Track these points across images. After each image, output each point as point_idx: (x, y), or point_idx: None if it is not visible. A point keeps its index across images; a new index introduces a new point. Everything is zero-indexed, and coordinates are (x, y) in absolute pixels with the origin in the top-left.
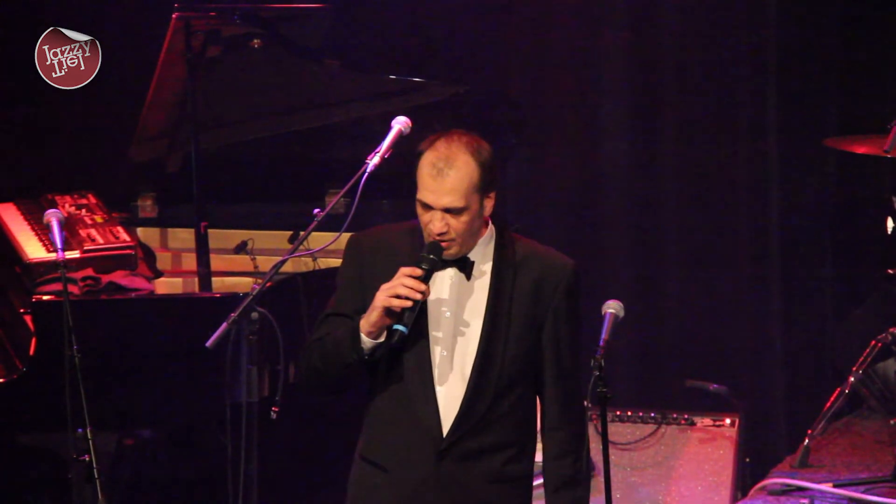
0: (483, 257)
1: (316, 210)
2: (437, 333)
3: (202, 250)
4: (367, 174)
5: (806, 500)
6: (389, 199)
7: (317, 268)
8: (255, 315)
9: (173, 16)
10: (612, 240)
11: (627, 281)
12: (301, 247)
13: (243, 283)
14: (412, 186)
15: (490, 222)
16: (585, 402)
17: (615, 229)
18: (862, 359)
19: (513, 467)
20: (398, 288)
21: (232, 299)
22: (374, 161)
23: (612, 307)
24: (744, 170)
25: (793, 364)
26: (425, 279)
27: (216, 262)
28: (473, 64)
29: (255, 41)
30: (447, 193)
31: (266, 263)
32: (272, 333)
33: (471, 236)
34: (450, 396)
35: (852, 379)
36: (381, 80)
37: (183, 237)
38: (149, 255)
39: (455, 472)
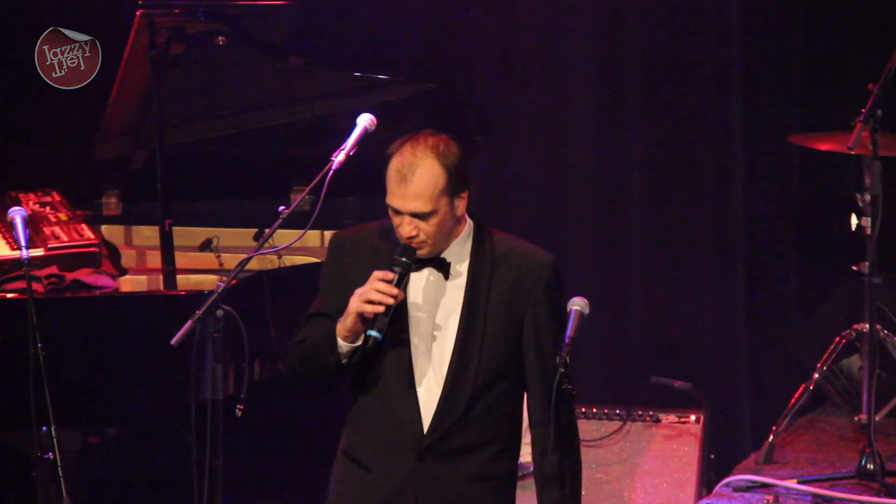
0: (459, 256)
1: (281, 207)
2: (414, 334)
3: (167, 248)
4: (332, 171)
5: (770, 497)
6: (355, 197)
7: (282, 265)
8: (220, 313)
9: (137, 13)
10: (578, 237)
11: (593, 278)
12: (266, 244)
13: (208, 281)
14: (380, 184)
15: (468, 219)
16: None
17: (581, 227)
18: (826, 355)
19: (494, 465)
20: (370, 293)
21: (197, 297)
22: (339, 158)
23: (577, 304)
24: (709, 166)
25: (757, 361)
26: (398, 283)
27: (181, 259)
28: (439, 61)
29: (220, 38)
30: (412, 199)
31: (231, 261)
32: (237, 331)
33: (443, 237)
34: (428, 396)
35: (817, 375)
36: (346, 77)
37: (147, 235)
38: (113, 253)
39: (436, 470)
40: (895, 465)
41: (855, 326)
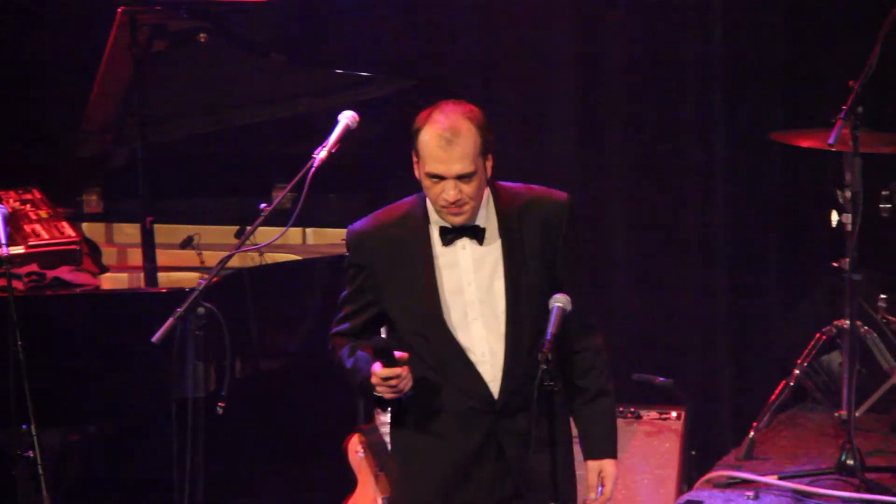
0: (488, 219)
1: (263, 205)
2: (465, 306)
3: (148, 245)
4: (314, 168)
5: (751, 493)
6: (337, 194)
7: (263, 263)
8: (201, 310)
9: (118, 10)
10: None
11: None
12: (248, 242)
13: (189, 279)
14: (361, 181)
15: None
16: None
17: None
18: (807, 351)
19: (556, 400)
20: (381, 392)
21: (178, 295)
22: (321, 155)
23: (559, 301)
24: (690, 163)
25: (738, 357)
26: (389, 362)
27: (162, 257)
28: (420, 59)
29: (202, 36)
30: (458, 161)
31: (212, 258)
32: (218, 329)
33: (480, 200)
34: (492, 361)
35: (797, 372)
36: (328, 74)
37: (129, 232)
38: (94, 251)
39: (511, 423)
40: (875, 461)
41: (835, 323)
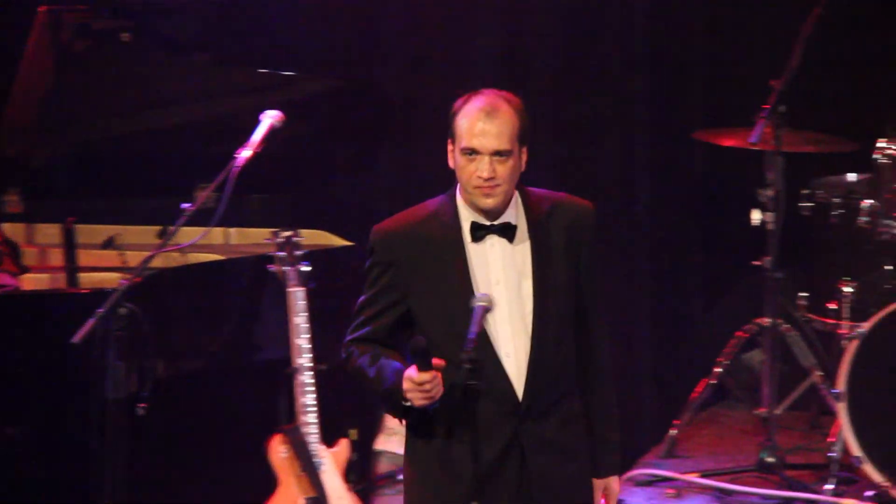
0: (518, 217)
1: (185, 205)
2: (498, 305)
3: (69, 246)
4: (237, 168)
5: (672, 490)
6: (260, 194)
7: (186, 263)
8: (123, 311)
9: (40, 9)
10: None
11: None
12: (170, 242)
13: (111, 279)
14: (286, 182)
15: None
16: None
17: None
18: (728, 350)
19: (574, 406)
20: (413, 399)
21: (99, 295)
22: (244, 155)
23: (482, 300)
24: (614, 163)
25: (659, 355)
26: (425, 365)
27: (84, 257)
28: (345, 59)
29: (125, 35)
30: (496, 136)
31: (135, 259)
32: (140, 329)
33: (511, 188)
34: (517, 361)
35: (718, 370)
36: (253, 74)
37: (49, 232)
38: (14, 251)
39: (535, 428)
40: (795, 458)
41: (756, 321)
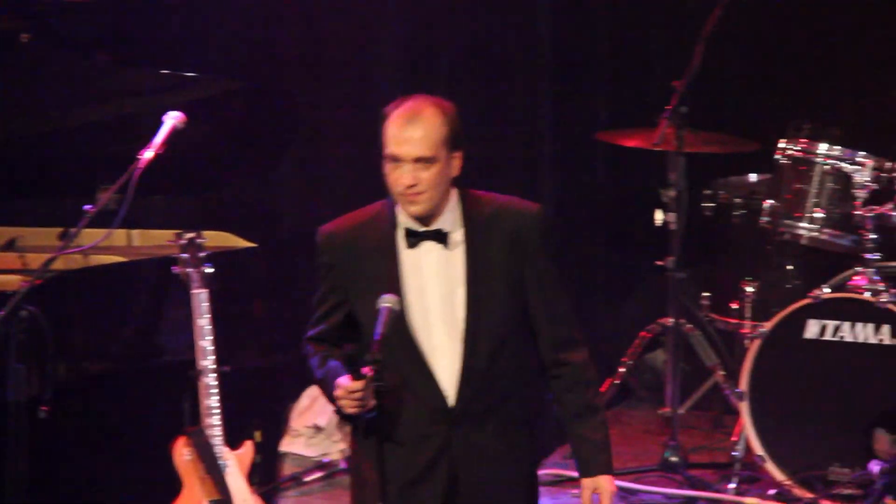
0: (453, 224)
1: (87, 206)
2: (426, 310)
3: None
4: (139, 170)
5: (576, 490)
6: (163, 195)
7: (88, 265)
8: (23, 313)
9: None
10: None
11: None
12: (72, 244)
13: (11, 281)
14: (188, 183)
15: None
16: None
17: None
18: (632, 350)
19: (516, 414)
20: (343, 406)
21: None
22: (146, 157)
23: (387, 301)
24: (517, 163)
25: None
26: (358, 374)
27: None
28: (251, 60)
29: (24, 35)
30: (416, 143)
31: (35, 261)
32: (41, 332)
33: (439, 194)
34: (450, 369)
35: (622, 370)
36: (155, 74)
37: None
38: None
39: (468, 434)
40: (698, 458)
41: (659, 321)
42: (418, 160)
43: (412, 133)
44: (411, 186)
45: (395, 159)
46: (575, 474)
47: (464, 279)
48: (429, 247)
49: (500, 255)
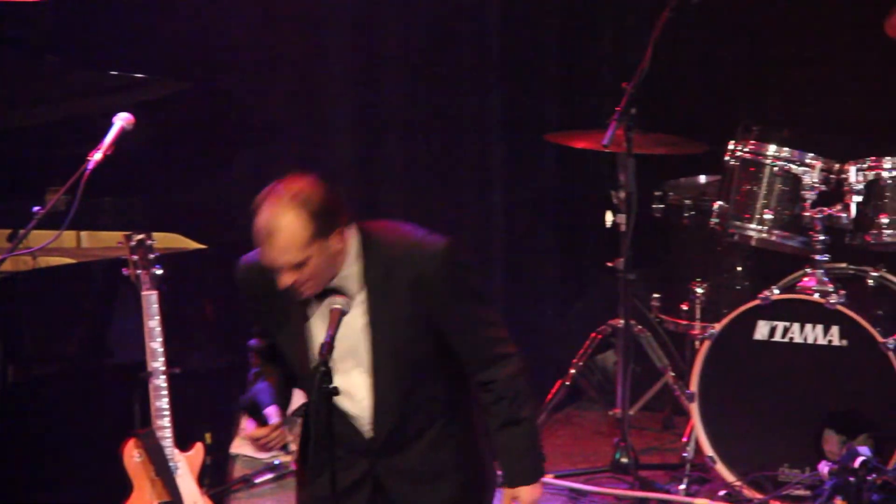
0: (352, 278)
1: (36, 208)
2: (335, 359)
3: None
4: (88, 171)
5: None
6: (112, 196)
7: (37, 266)
8: None
9: None
10: None
11: None
12: (21, 245)
13: None
14: (138, 183)
15: (354, 232)
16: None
17: None
18: (582, 351)
19: (449, 429)
20: (253, 448)
21: None
22: (95, 158)
23: (338, 303)
24: (468, 164)
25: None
26: (259, 421)
27: None
28: (200, 61)
29: None
30: (281, 254)
31: None
32: None
33: (326, 275)
34: (361, 410)
35: (573, 371)
36: (103, 76)
37: None
38: None
39: (391, 462)
40: (648, 458)
41: (610, 322)
42: (290, 267)
43: (273, 251)
44: (292, 284)
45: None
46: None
47: (368, 330)
48: (333, 298)
49: (403, 303)
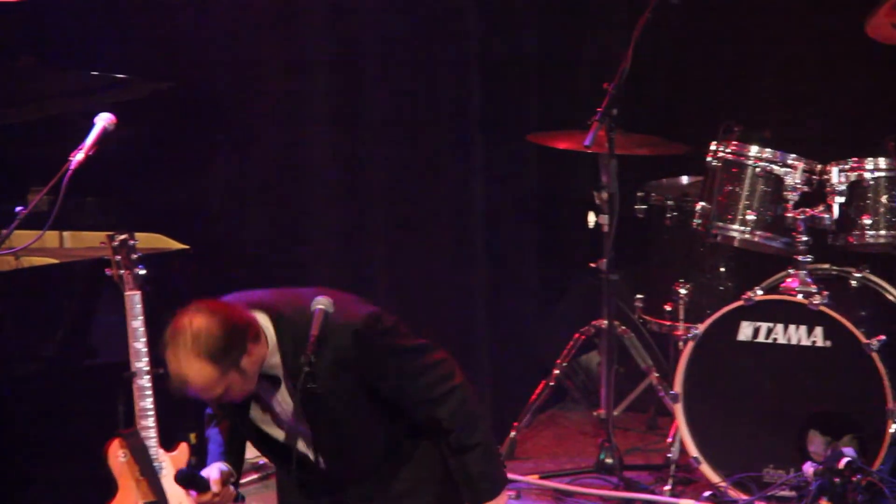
0: (278, 366)
1: (18, 208)
2: (279, 432)
3: None
4: (70, 171)
5: (513, 493)
6: (94, 197)
7: (20, 266)
8: None
9: None
10: (320, 235)
11: (334, 277)
12: (3, 245)
13: None
14: (121, 184)
15: (268, 326)
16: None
17: (322, 225)
18: (566, 352)
19: (410, 453)
20: None
21: None
22: (77, 158)
23: (321, 303)
24: (449, 165)
25: (498, 357)
26: (200, 488)
27: None
28: (178, 61)
29: None
30: (201, 395)
31: None
32: None
33: (248, 386)
34: (314, 467)
35: (557, 371)
36: (83, 76)
37: None
38: None
39: (355, 490)
40: (633, 459)
41: (593, 323)
42: (215, 398)
43: (194, 392)
44: (220, 405)
45: None
46: (510, 475)
47: (301, 410)
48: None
49: (328, 379)
